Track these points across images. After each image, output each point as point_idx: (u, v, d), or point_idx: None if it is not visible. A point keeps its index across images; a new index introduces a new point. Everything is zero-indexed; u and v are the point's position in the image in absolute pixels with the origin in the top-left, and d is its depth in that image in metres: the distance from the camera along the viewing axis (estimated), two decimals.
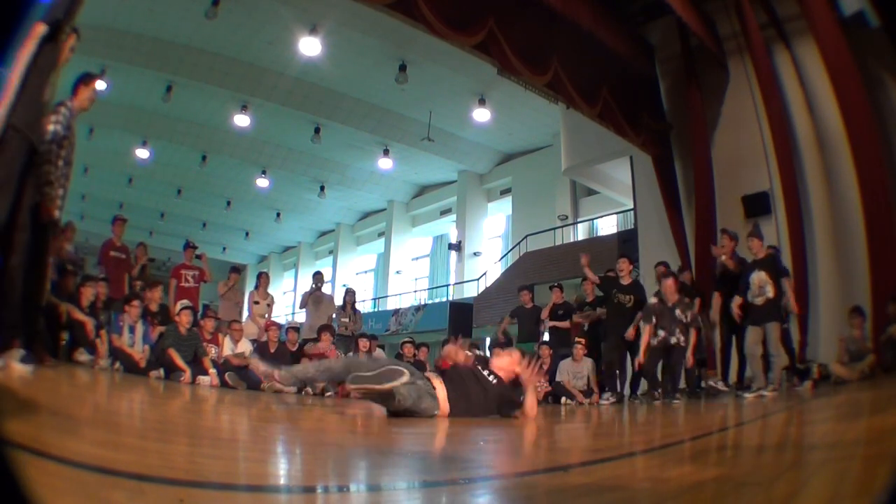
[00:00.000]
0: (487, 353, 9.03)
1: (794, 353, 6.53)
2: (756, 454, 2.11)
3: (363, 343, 7.02)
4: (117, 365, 5.55)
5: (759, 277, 5.65)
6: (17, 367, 2.82)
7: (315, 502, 1.09)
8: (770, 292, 5.58)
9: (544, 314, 7.62)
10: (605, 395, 6.40)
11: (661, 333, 5.89)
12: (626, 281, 6.54)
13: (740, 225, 8.21)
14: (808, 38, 7.67)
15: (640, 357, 5.95)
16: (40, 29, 2.74)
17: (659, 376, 6.11)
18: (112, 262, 7.04)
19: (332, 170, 19.16)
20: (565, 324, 7.51)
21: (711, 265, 7.08)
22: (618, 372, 6.63)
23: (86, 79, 3.50)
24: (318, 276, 8.66)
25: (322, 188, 20.06)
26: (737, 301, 5.80)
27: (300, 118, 15.65)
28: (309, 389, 6.16)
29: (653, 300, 6.16)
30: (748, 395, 5.37)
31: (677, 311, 5.88)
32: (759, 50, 8.12)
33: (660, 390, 5.94)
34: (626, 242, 11.20)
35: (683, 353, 5.89)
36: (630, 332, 6.27)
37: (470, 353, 3.92)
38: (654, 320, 5.93)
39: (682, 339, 5.80)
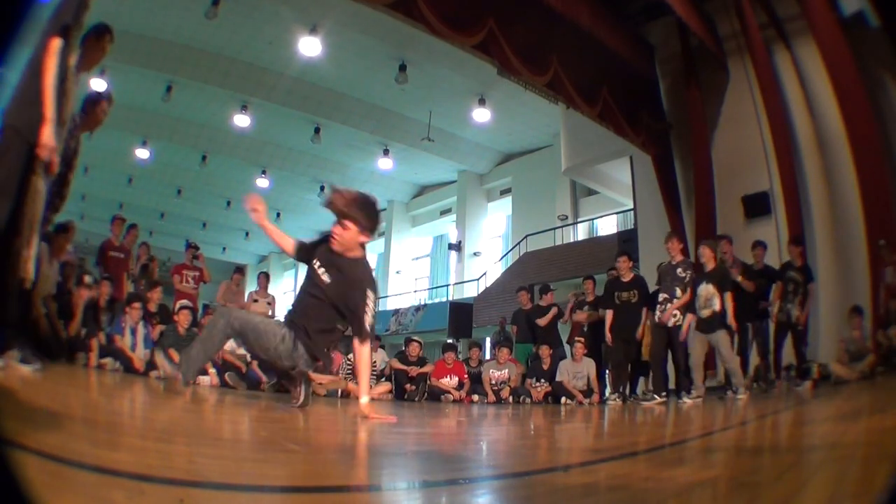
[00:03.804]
0: (487, 355, 9.03)
1: (769, 352, 6.55)
2: (756, 454, 2.11)
3: None
4: (117, 365, 5.56)
5: (706, 290, 5.67)
6: (17, 368, 2.82)
7: (315, 502, 1.09)
8: (716, 305, 5.60)
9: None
10: (612, 395, 6.36)
11: (662, 297, 5.91)
12: (626, 278, 6.49)
13: (740, 225, 8.23)
14: (808, 38, 7.67)
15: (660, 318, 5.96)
16: (56, 43, 2.70)
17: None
18: (111, 262, 7.04)
19: (332, 170, 19.14)
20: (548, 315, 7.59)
21: None
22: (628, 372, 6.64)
23: (92, 98, 3.50)
24: None
25: (322, 188, 20.06)
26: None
27: (300, 118, 15.65)
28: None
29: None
30: (687, 400, 5.45)
31: (679, 270, 5.91)
32: (759, 50, 8.12)
33: (662, 393, 5.88)
34: (626, 242, 11.19)
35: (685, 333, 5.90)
36: (640, 332, 6.22)
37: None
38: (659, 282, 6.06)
39: (681, 317, 5.80)
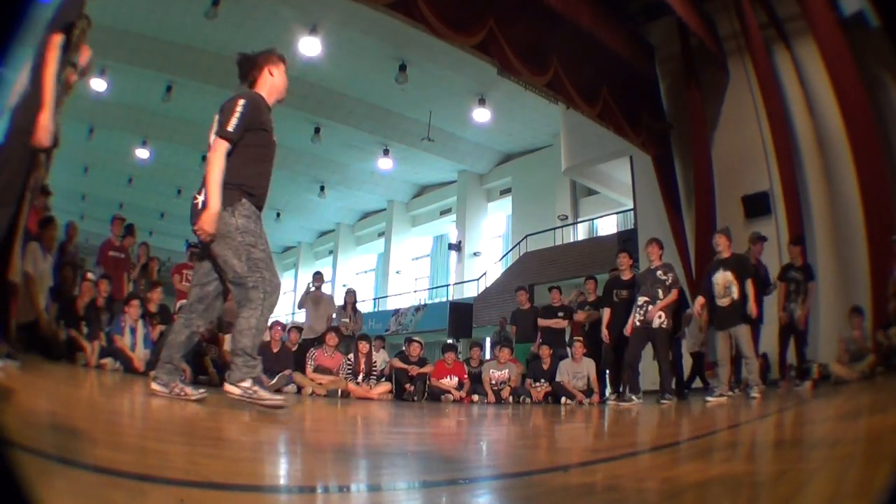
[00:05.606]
0: (487, 355, 9.03)
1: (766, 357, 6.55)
2: (756, 454, 2.11)
3: (363, 346, 6.93)
4: (117, 365, 5.55)
5: (723, 277, 5.55)
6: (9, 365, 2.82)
7: (315, 502, 1.09)
8: (735, 293, 5.48)
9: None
10: (612, 395, 6.35)
11: (642, 300, 5.81)
12: (626, 276, 6.48)
13: (741, 225, 8.23)
14: (808, 38, 7.67)
15: (628, 328, 5.86)
16: (58, 39, 2.74)
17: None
18: (111, 262, 7.04)
19: (332, 170, 19.13)
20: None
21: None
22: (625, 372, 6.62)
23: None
24: (317, 276, 8.65)
25: (322, 188, 20.05)
26: (699, 301, 5.75)
27: (300, 118, 15.64)
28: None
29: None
30: (710, 399, 5.34)
31: (659, 273, 5.84)
32: (759, 50, 8.12)
33: (636, 392, 5.80)
34: (626, 242, 11.19)
35: (667, 337, 5.84)
36: (628, 328, 6.04)
37: None
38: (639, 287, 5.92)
39: (665, 320, 5.74)
